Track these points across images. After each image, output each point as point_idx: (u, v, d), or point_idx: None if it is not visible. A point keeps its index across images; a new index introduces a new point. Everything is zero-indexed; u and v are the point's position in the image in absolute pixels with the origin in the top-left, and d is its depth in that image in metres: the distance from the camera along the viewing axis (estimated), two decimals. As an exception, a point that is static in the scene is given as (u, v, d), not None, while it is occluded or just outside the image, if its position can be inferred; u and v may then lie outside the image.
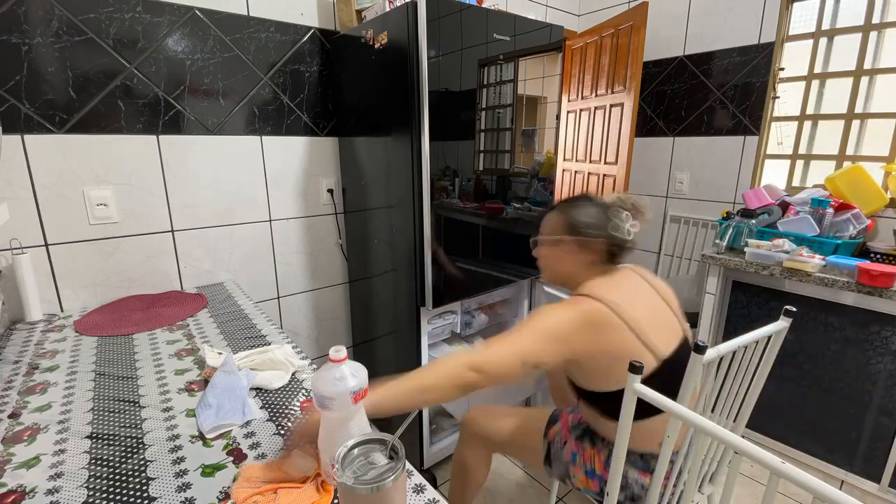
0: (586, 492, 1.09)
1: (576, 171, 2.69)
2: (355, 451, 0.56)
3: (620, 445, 0.90)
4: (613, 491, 0.94)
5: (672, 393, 0.87)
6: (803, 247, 1.71)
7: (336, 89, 1.74)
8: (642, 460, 1.03)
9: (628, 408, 0.87)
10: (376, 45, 1.41)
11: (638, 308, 0.98)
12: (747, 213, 1.95)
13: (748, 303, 1.91)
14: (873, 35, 1.84)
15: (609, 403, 0.96)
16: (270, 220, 1.73)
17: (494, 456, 1.35)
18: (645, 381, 0.85)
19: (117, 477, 0.68)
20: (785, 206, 1.94)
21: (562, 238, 1.08)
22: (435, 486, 1.62)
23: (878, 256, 1.63)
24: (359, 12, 1.59)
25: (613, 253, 1.03)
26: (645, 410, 0.86)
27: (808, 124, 2.07)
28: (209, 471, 0.69)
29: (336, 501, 0.63)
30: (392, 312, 1.66)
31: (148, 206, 1.45)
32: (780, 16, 2.01)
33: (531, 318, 0.95)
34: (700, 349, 0.86)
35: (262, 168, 1.66)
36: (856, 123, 1.93)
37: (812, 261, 1.63)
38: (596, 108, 2.48)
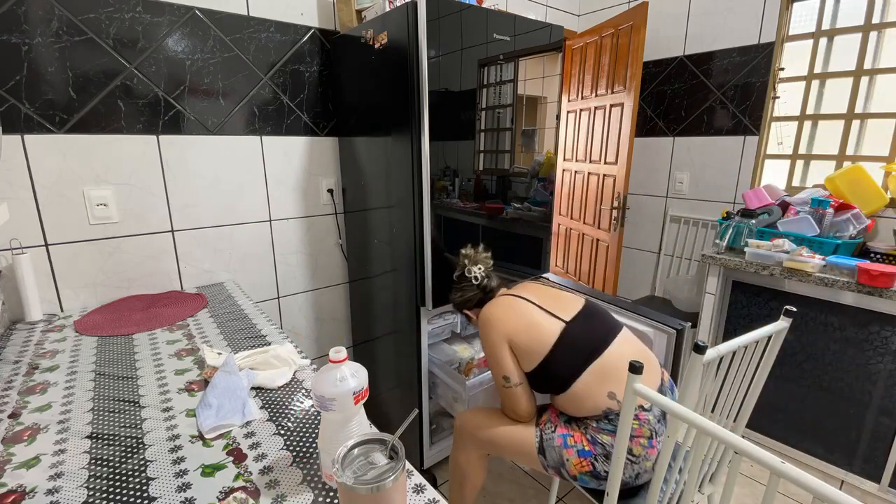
0: (582, 478, 1.10)
1: (576, 171, 2.69)
2: (355, 451, 0.56)
3: (620, 445, 0.90)
4: (614, 490, 0.94)
5: (580, 352, 1.12)
6: (803, 247, 1.71)
7: (336, 89, 1.74)
8: (608, 422, 1.08)
9: (628, 408, 0.87)
10: (376, 45, 1.41)
11: (535, 293, 1.28)
12: (747, 213, 1.95)
13: (748, 303, 1.91)
14: (873, 35, 1.84)
15: (544, 378, 1.16)
16: (270, 220, 1.73)
17: (494, 458, 1.36)
18: (559, 343, 1.13)
19: (117, 477, 0.68)
20: (785, 206, 1.94)
21: (466, 317, 1.42)
22: (435, 486, 1.62)
23: (878, 256, 1.63)
24: (359, 12, 1.59)
25: (481, 297, 1.34)
26: (569, 375, 1.11)
27: (808, 124, 2.07)
28: (209, 471, 0.69)
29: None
30: (392, 312, 1.66)
31: (148, 206, 1.45)
32: (780, 16, 2.01)
33: (484, 350, 1.25)
34: (700, 349, 0.86)
35: (262, 168, 1.66)
36: (856, 123, 1.93)
37: (812, 261, 1.64)
38: (596, 108, 2.48)
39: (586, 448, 1.09)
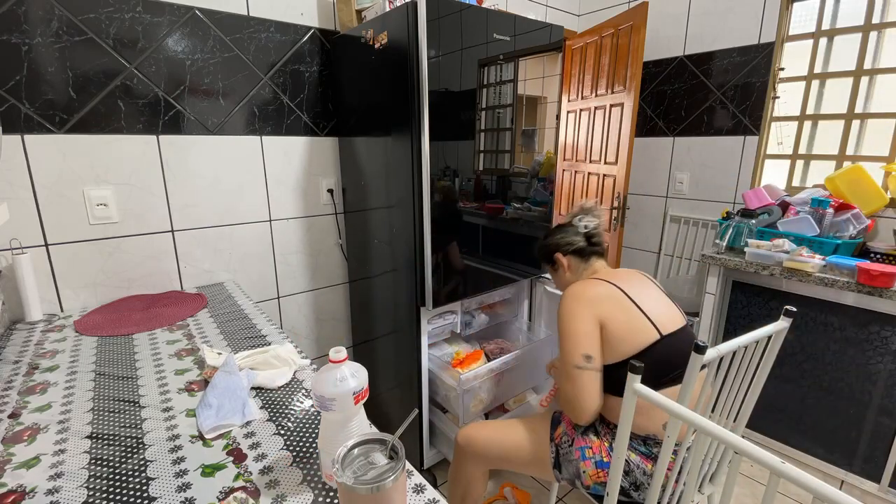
0: (595, 487, 1.09)
1: (576, 171, 2.69)
2: (355, 451, 0.56)
3: (620, 444, 0.90)
4: (614, 490, 0.94)
5: (666, 371, 1.02)
6: (803, 247, 1.71)
7: (336, 89, 1.74)
8: (644, 445, 1.05)
9: (628, 408, 0.87)
10: (376, 45, 1.41)
11: (641, 292, 1.13)
12: (747, 213, 1.95)
13: (748, 303, 1.91)
14: (873, 35, 1.84)
15: (614, 379, 1.05)
16: (270, 220, 1.73)
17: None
18: (644, 353, 1.02)
19: (117, 477, 0.68)
20: (785, 206, 1.94)
21: (550, 268, 1.33)
22: (435, 486, 1.62)
23: (878, 256, 1.63)
24: (359, 12, 1.59)
25: (586, 245, 1.25)
26: (622, 389, 0.94)
27: (808, 124, 2.07)
28: (209, 471, 0.69)
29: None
30: (392, 312, 1.66)
31: (148, 206, 1.45)
32: (780, 16, 2.01)
33: (560, 326, 1.11)
34: (700, 349, 0.86)
35: (262, 168, 1.66)
36: (856, 123, 1.93)
37: (812, 261, 1.64)
38: (596, 108, 2.48)
39: (605, 460, 1.06)
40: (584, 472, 1.08)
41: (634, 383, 0.84)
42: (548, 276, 1.80)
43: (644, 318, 1.07)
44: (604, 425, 1.11)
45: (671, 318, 1.10)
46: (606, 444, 1.08)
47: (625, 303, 1.08)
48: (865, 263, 1.55)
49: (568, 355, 1.06)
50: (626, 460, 1.04)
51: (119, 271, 1.43)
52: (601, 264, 1.27)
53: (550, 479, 1.15)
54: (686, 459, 1.00)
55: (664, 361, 1.03)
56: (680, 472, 1.02)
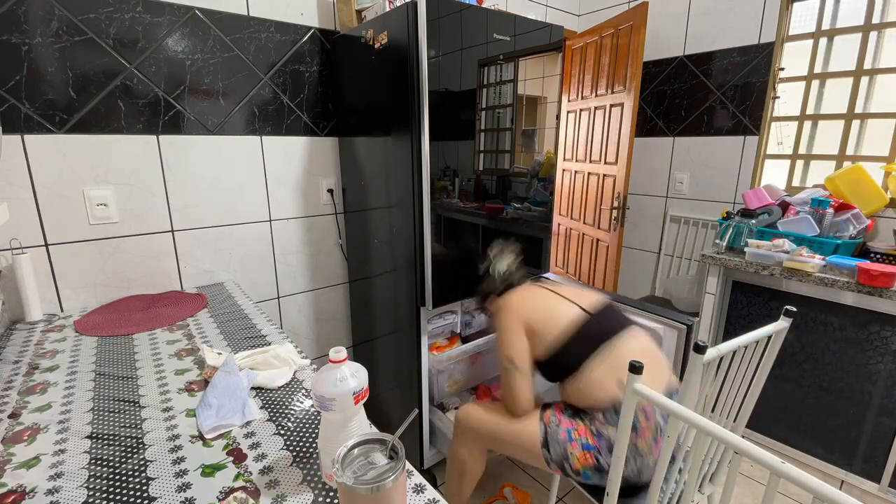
0: (585, 473, 1.10)
1: (576, 171, 2.69)
2: (355, 451, 0.56)
3: (620, 444, 0.90)
4: (613, 492, 0.94)
5: (598, 343, 1.14)
6: (803, 247, 1.71)
7: (336, 89, 1.74)
8: (615, 414, 1.08)
9: (628, 407, 0.87)
10: (376, 45, 1.41)
11: (558, 285, 1.35)
12: (747, 213, 1.95)
13: (748, 303, 1.91)
14: (873, 35, 1.84)
15: (558, 364, 1.18)
16: (270, 220, 1.73)
17: (493, 459, 1.36)
18: (578, 331, 1.16)
19: (117, 477, 0.68)
20: (785, 206, 1.94)
21: (484, 310, 1.49)
22: (435, 486, 1.62)
23: (878, 256, 1.63)
24: (359, 12, 1.59)
25: (502, 288, 1.38)
26: (571, 365, 1.14)
27: (808, 124, 2.07)
28: (209, 471, 0.69)
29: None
30: (392, 312, 1.66)
31: (148, 206, 1.45)
32: (780, 16, 2.01)
33: (495, 332, 1.29)
34: (700, 349, 0.86)
35: (262, 168, 1.66)
36: (856, 123, 1.93)
37: (812, 261, 1.64)
38: (596, 108, 2.48)
39: (590, 442, 1.10)
40: (571, 453, 1.11)
41: (634, 383, 0.84)
42: (548, 275, 1.81)
43: (563, 300, 1.25)
44: (584, 412, 1.15)
45: (593, 296, 1.28)
46: (592, 428, 1.11)
47: (542, 293, 1.30)
48: (865, 263, 1.55)
49: (499, 358, 1.25)
50: (605, 437, 1.08)
51: (119, 271, 1.43)
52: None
53: (541, 463, 1.16)
54: (686, 459, 1.00)
55: (597, 329, 1.18)
56: (680, 473, 1.02)
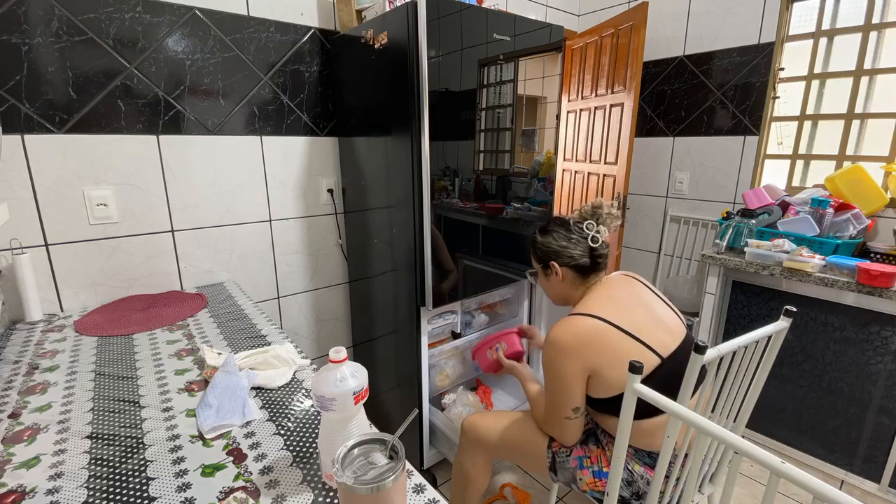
0: (593, 493, 1.09)
1: (576, 171, 2.69)
2: (355, 451, 0.56)
3: (620, 444, 0.90)
4: (613, 490, 0.94)
5: (676, 390, 0.92)
6: (803, 247, 1.71)
7: (336, 89, 1.74)
8: (649, 457, 1.05)
9: (628, 408, 0.87)
10: (376, 45, 1.41)
11: (636, 313, 1.05)
12: (747, 213, 1.95)
13: (748, 303, 1.91)
14: (873, 35, 1.84)
15: (614, 404, 0.97)
16: (270, 220, 1.73)
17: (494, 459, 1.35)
18: (648, 379, 0.96)
19: (117, 477, 0.68)
20: (785, 206, 1.94)
21: (541, 269, 1.21)
22: (435, 486, 1.62)
23: (878, 256, 1.63)
24: (359, 12, 1.59)
25: (589, 264, 1.12)
26: (648, 409, 0.91)
27: (808, 124, 2.07)
28: (209, 471, 0.69)
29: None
30: (392, 312, 1.66)
31: (148, 206, 1.45)
32: (780, 16, 2.01)
33: (546, 374, 1.05)
34: (700, 349, 0.86)
35: (262, 168, 1.66)
36: (856, 123, 1.93)
37: (812, 261, 1.64)
38: (596, 108, 2.48)
39: (605, 470, 1.06)
40: (580, 479, 1.09)
41: (634, 383, 0.84)
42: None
43: (642, 348, 1.00)
44: (606, 435, 1.11)
45: (671, 333, 1.05)
46: (608, 454, 1.08)
47: (618, 341, 1.00)
48: (865, 263, 1.55)
49: (557, 408, 1.05)
50: (630, 471, 1.04)
51: (119, 271, 1.43)
52: (598, 280, 1.16)
53: (546, 477, 1.16)
54: (686, 459, 1.00)
55: (671, 382, 0.95)
56: (680, 473, 1.02)
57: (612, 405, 1.00)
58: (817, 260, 1.65)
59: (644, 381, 0.89)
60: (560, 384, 1.03)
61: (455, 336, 1.83)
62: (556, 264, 1.13)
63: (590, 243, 1.10)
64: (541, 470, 1.17)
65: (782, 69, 2.08)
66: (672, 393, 0.91)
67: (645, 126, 2.58)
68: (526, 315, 1.95)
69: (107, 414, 0.84)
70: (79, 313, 1.33)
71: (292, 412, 0.86)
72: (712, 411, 1.06)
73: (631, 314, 1.04)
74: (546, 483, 1.75)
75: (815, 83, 2.02)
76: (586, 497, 1.17)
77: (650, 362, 0.99)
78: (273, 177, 1.70)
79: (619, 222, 1.14)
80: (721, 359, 0.94)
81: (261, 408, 0.87)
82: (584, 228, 1.12)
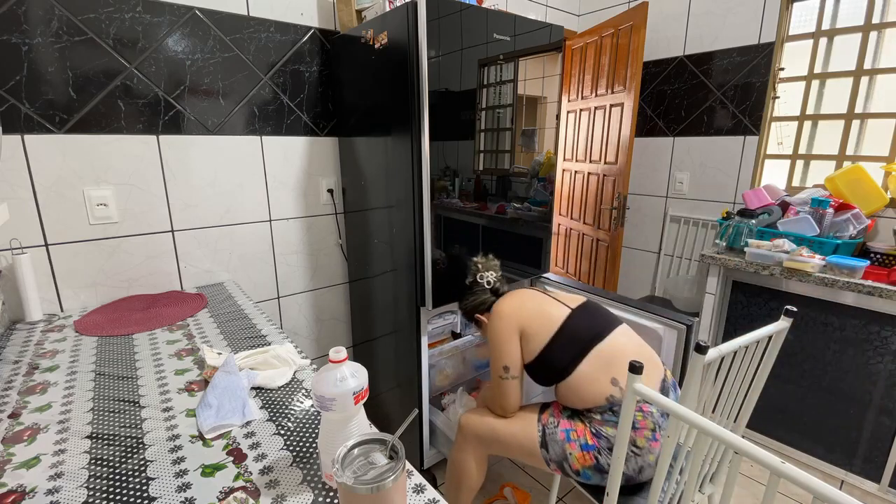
0: (584, 473, 1.10)
1: (576, 171, 2.69)
2: (355, 451, 0.56)
3: (620, 443, 0.90)
4: (614, 491, 0.94)
5: (590, 334, 1.17)
6: (803, 247, 1.71)
7: (336, 89, 1.74)
8: (613, 413, 1.09)
9: (628, 407, 0.87)
10: (376, 45, 1.41)
11: (539, 289, 1.38)
12: (747, 213, 1.95)
13: (748, 303, 1.91)
14: (873, 35, 1.84)
15: (549, 368, 1.19)
16: (270, 220, 1.73)
17: (495, 459, 1.36)
18: (563, 327, 1.19)
19: (117, 477, 0.68)
20: (785, 206, 1.94)
21: (476, 326, 1.47)
22: (435, 486, 1.62)
23: (878, 256, 1.63)
24: (359, 12, 1.59)
25: (496, 297, 1.39)
26: (559, 366, 1.15)
27: (808, 124, 2.07)
28: (209, 471, 0.69)
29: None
30: (392, 312, 1.66)
31: (148, 206, 1.45)
32: (780, 16, 2.01)
33: (489, 343, 1.29)
34: (701, 349, 0.86)
35: (262, 168, 1.66)
36: (856, 123, 1.93)
37: (812, 261, 1.64)
38: (596, 108, 2.48)
39: (589, 442, 1.10)
40: (570, 454, 1.11)
41: (634, 383, 0.84)
42: (548, 275, 1.81)
43: (551, 299, 1.29)
44: (582, 413, 1.16)
45: (573, 295, 1.34)
46: (591, 428, 1.11)
47: (533, 294, 1.33)
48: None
49: (493, 369, 1.26)
50: (605, 436, 1.09)
51: (119, 271, 1.43)
52: None
53: (541, 463, 1.17)
54: (686, 459, 1.00)
55: (584, 328, 1.20)
56: (681, 473, 1.02)
57: (543, 370, 1.20)
58: (817, 260, 1.65)
59: (558, 334, 1.19)
60: (496, 345, 1.25)
61: (455, 336, 1.83)
62: (479, 315, 1.40)
63: (486, 286, 1.40)
64: (535, 459, 1.18)
65: (782, 69, 2.08)
66: (578, 338, 1.18)
67: (645, 126, 2.58)
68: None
69: (107, 414, 0.84)
70: (79, 313, 1.33)
71: (292, 412, 0.86)
72: (713, 411, 1.06)
73: (538, 289, 1.40)
74: (546, 483, 1.75)
75: (815, 83, 2.02)
76: (587, 498, 1.17)
77: (561, 312, 1.23)
78: (273, 177, 1.70)
79: (498, 266, 1.44)
80: (721, 359, 0.94)
81: (261, 408, 0.87)
82: (480, 281, 1.41)
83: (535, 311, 1.25)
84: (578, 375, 1.13)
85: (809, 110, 2.05)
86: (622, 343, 1.18)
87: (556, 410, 1.20)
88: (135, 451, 0.74)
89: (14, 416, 0.84)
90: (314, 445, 0.76)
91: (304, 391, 0.93)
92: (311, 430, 0.80)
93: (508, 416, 1.25)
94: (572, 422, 1.15)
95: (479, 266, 1.43)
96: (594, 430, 1.10)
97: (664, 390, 1.13)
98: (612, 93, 2.33)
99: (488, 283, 1.41)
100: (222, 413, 0.81)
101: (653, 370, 1.13)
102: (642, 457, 1.06)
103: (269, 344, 1.12)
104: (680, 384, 1.23)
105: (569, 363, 1.14)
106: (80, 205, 1.34)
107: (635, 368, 0.84)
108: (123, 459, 0.72)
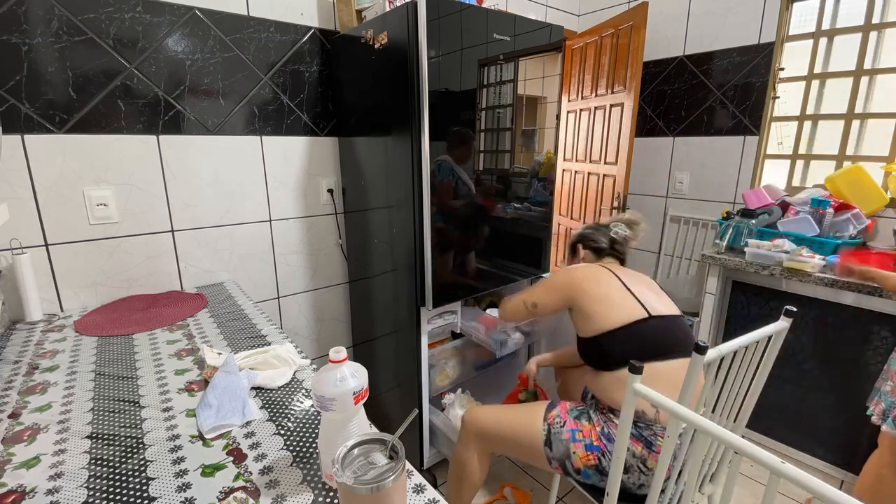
0: (585, 472, 1.10)
1: (576, 171, 2.69)
2: (355, 451, 0.56)
3: (620, 444, 0.90)
4: (614, 490, 0.94)
5: (656, 347, 1.11)
6: (803, 247, 1.71)
7: (336, 89, 1.74)
8: (633, 427, 1.07)
9: (628, 408, 0.87)
10: (376, 45, 1.41)
11: (637, 282, 1.24)
12: (747, 213, 1.95)
13: (748, 303, 1.91)
14: (873, 35, 1.84)
15: (602, 354, 1.15)
16: (270, 220, 1.73)
17: (495, 459, 1.36)
18: (631, 326, 1.12)
19: (117, 477, 0.68)
20: (785, 206, 1.94)
21: (569, 255, 1.49)
22: (435, 486, 1.62)
23: (878, 256, 1.63)
24: (359, 12, 1.59)
25: (606, 248, 1.38)
26: (615, 356, 1.11)
27: (808, 124, 2.07)
28: (209, 471, 0.69)
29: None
30: (392, 312, 1.66)
31: (148, 206, 1.45)
32: (780, 16, 2.01)
33: (543, 282, 1.32)
34: (701, 349, 0.86)
35: (262, 168, 1.66)
36: (856, 123, 1.93)
37: (812, 261, 1.64)
38: (596, 108, 2.48)
39: (595, 443, 1.10)
40: (573, 452, 1.11)
41: (634, 383, 0.84)
42: (548, 275, 1.81)
43: (632, 297, 1.18)
44: (597, 412, 1.15)
45: (665, 306, 1.20)
46: (598, 430, 1.11)
47: (606, 278, 1.22)
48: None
49: (525, 293, 1.33)
50: (614, 441, 1.07)
51: (119, 271, 1.43)
52: (614, 264, 1.35)
53: (542, 462, 1.16)
54: (686, 459, 1.00)
55: (651, 339, 1.13)
56: (680, 473, 1.02)
57: (595, 351, 1.16)
58: (817, 260, 1.65)
59: (625, 329, 1.12)
60: (545, 287, 1.28)
61: (455, 336, 1.83)
62: (580, 246, 1.38)
63: (612, 236, 1.35)
64: (538, 457, 1.18)
65: (782, 69, 2.09)
66: (646, 343, 1.12)
67: (645, 126, 2.58)
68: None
69: (107, 414, 0.84)
70: (79, 313, 1.33)
71: (292, 412, 0.86)
72: (713, 411, 1.06)
73: (632, 280, 1.24)
74: (546, 483, 1.75)
75: (815, 83, 2.02)
76: (586, 498, 1.17)
77: (635, 312, 1.15)
78: (273, 177, 1.70)
79: (643, 232, 1.39)
80: (721, 359, 0.94)
81: (261, 408, 0.87)
82: (613, 227, 1.37)
83: (602, 295, 1.18)
84: (623, 375, 1.04)
85: (809, 110, 2.05)
86: (677, 371, 1.07)
87: (562, 411, 1.19)
88: (135, 451, 0.74)
89: (14, 416, 0.84)
90: (314, 445, 0.76)
91: (304, 391, 0.93)
92: (311, 430, 0.80)
93: (506, 316, 1.38)
94: (579, 422, 1.14)
95: (625, 217, 1.40)
96: (606, 433, 1.09)
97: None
98: (612, 93, 2.33)
99: (616, 234, 1.36)
100: (222, 413, 0.81)
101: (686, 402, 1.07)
102: (648, 476, 1.06)
103: (269, 344, 1.12)
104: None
105: (622, 360, 1.06)
106: (80, 205, 1.34)
107: (635, 369, 0.84)
108: (123, 459, 0.72)
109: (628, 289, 1.20)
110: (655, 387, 0.94)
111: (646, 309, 1.15)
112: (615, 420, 1.09)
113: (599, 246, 1.37)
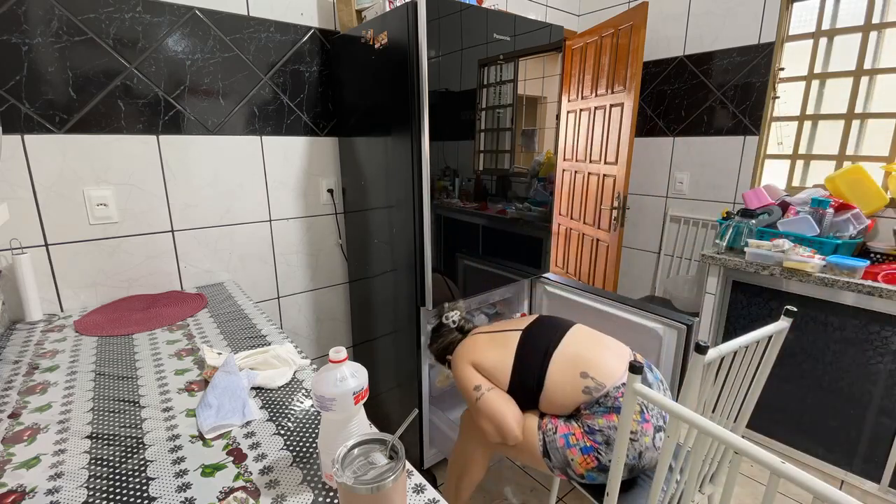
0: (589, 475, 1.10)
1: (576, 171, 2.69)
2: (355, 451, 0.56)
3: (620, 446, 0.90)
4: (614, 490, 0.94)
5: (543, 344, 1.21)
6: (803, 246, 1.71)
7: (336, 89, 1.74)
8: (597, 404, 1.09)
9: (628, 408, 0.87)
10: (376, 45, 1.41)
11: (487, 328, 1.41)
12: (747, 213, 1.95)
13: (748, 303, 1.91)
14: (873, 35, 1.84)
15: (523, 388, 1.19)
16: (270, 220, 1.73)
17: (495, 459, 1.36)
18: (520, 346, 1.23)
19: (117, 477, 0.68)
20: (785, 206, 1.94)
21: (447, 367, 1.48)
22: (435, 486, 1.62)
23: (878, 256, 1.63)
24: (359, 12, 1.59)
25: (462, 338, 1.44)
26: (532, 384, 1.16)
27: (808, 124, 2.07)
28: (209, 471, 0.69)
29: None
30: (392, 312, 1.66)
31: (148, 206, 1.45)
32: (780, 16, 2.01)
33: (457, 384, 1.32)
34: (701, 349, 0.86)
35: (262, 168, 1.66)
36: (856, 123, 1.93)
37: (812, 261, 1.64)
38: (596, 108, 2.48)
39: (587, 444, 1.09)
40: (572, 459, 1.11)
41: (634, 383, 0.84)
42: (547, 275, 1.81)
43: (505, 332, 1.30)
44: (573, 414, 1.16)
45: (522, 320, 1.34)
46: (584, 427, 1.11)
47: (480, 335, 1.34)
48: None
49: (468, 400, 1.25)
50: (598, 430, 1.09)
51: (119, 271, 1.43)
52: (477, 330, 1.46)
53: (544, 469, 1.17)
54: (686, 459, 1.00)
55: (540, 338, 1.23)
56: (681, 473, 1.02)
57: (519, 392, 1.20)
58: (817, 260, 1.65)
59: (518, 352, 1.22)
60: (460, 382, 1.28)
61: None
62: (449, 357, 1.43)
63: (451, 325, 1.46)
64: (539, 464, 1.17)
65: (782, 69, 2.09)
66: (537, 349, 1.20)
67: (645, 126, 2.58)
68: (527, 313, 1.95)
69: (107, 414, 0.84)
70: (79, 313, 1.33)
71: (292, 412, 0.86)
72: (713, 411, 1.06)
73: (486, 328, 1.40)
74: (546, 483, 1.75)
75: (815, 83, 2.02)
76: (586, 498, 1.17)
77: (514, 336, 1.27)
78: (273, 177, 1.70)
79: (462, 307, 1.54)
80: (722, 359, 0.94)
81: (261, 408, 0.87)
82: (446, 321, 1.48)
83: (489, 345, 1.28)
84: (551, 384, 1.14)
85: (809, 110, 2.05)
86: (578, 339, 1.21)
87: (552, 417, 1.19)
88: (135, 451, 0.74)
89: (14, 416, 0.84)
90: (314, 445, 0.76)
91: (304, 391, 0.93)
92: (311, 430, 0.80)
93: (513, 437, 1.16)
94: (569, 425, 1.14)
95: (444, 307, 1.48)
96: (587, 428, 1.10)
97: (639, 368, 1.13)
98: (612, 93, 2.33)
99: (453, 322, 1.46)
100: (222, 413, 0.81)
101: (618, 357, 1.15)
102: (638, 441, 1.06)
103: (269, 344, 1.12)
104: (680, 384, 1.23)
105: (538, 376, 1.16)
106: (80, 205, 1.34)
107: (635, 368, 0.84)
108: (123, 459, 0.72)
109: (496, 331, 1.33)
110: (578, 363, 1.13)
111: (516, 329, 1.28)
112: (585, 412, 1.11)
113: (458, 339, 1.43)
